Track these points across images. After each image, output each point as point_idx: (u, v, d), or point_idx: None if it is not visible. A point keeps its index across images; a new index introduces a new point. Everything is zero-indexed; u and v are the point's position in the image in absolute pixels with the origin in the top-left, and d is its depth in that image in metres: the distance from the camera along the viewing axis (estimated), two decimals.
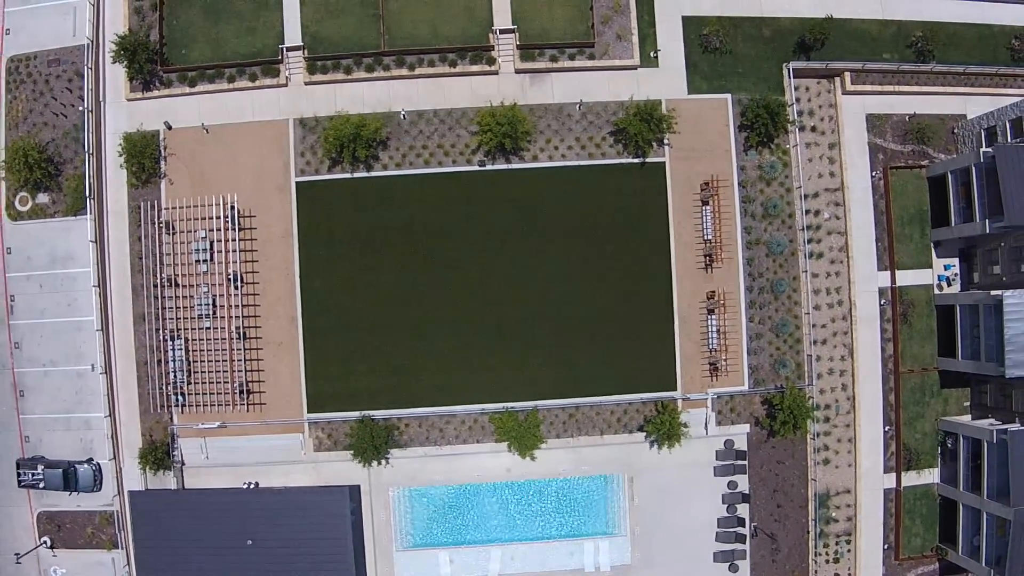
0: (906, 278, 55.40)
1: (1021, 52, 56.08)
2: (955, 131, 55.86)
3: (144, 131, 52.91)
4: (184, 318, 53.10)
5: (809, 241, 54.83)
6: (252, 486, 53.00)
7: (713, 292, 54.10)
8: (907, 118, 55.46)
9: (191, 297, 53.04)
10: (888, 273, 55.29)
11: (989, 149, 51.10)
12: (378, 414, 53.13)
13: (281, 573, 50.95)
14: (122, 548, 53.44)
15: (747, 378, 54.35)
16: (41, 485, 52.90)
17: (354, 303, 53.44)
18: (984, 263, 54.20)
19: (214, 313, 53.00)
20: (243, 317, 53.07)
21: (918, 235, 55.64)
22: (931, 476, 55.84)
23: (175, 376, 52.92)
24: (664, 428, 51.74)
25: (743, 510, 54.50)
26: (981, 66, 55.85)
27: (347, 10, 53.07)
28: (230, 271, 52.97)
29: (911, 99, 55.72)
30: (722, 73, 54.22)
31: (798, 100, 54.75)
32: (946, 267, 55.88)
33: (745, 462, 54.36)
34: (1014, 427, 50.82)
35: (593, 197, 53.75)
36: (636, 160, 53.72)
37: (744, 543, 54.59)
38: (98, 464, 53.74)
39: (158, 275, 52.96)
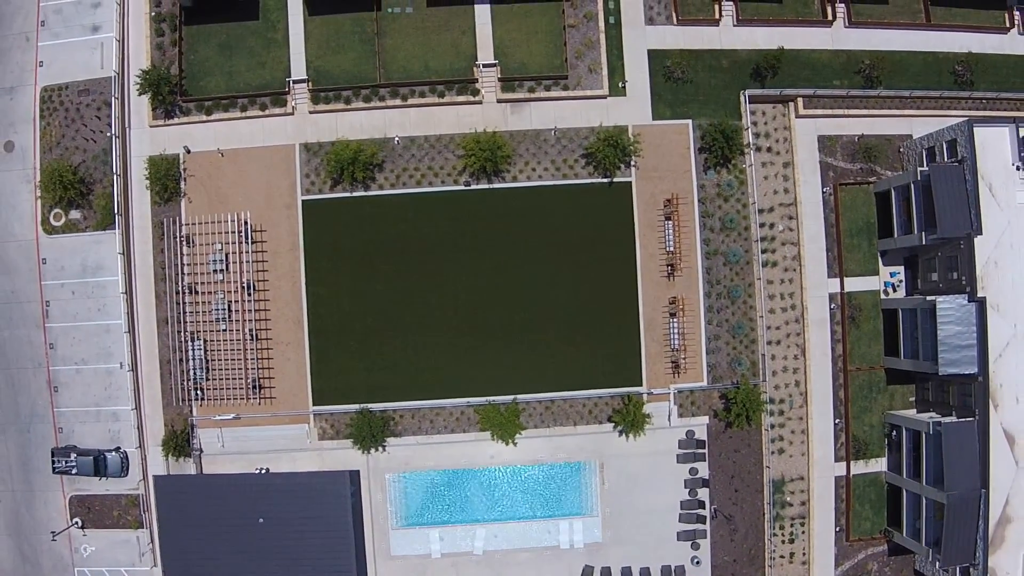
0: (854, 284, 57.33)
1: (964, 76, 57.55)
2: (901, 150, 57.67)
3: (166, 155, 55.25)
4: (202, 321, 55.55)
5: (764, 251, 57.04)
6: (263, 471, 55.31)
7: (675, 298, 56.56)
8: (856, 139, 57.34)
9: (209, 303, 55.48)
10: (838, 280, 57.31)
11: (926, 168, 52.95)
12: (376, 406, 55.50)
13: (289, 548, 53.14)
14: (146, 528, 55.96)
15: (706, 375, 56.78)
16: (73, 471, 55.09)
17: (354, 308, 55.86)
18: (925, 271, 56.14)
19: (229, 317, 55.42)
20: (255, 320, 55.57)
21: (866, 245, 57.68)
22: (879, 465, 57.77)
23: (194, 373, 55.25)
24: (630, 418, 54.11)
25: (704, 494, 56.72)
26: (926, 90, 57.44)
27: (347, 47, 55.53)
28: (244, 280, 55.48)
29: (860, 121, 57.40)
30: (684, 100, 56.32)
31: (755, 123, 56.88)
32: (892, 274, 57.86)
33: (705, 451, 56.56)
34: (948, 420, 52.83)
35: (567, 213, 56.10)
36: (605, 180, 56.13)
37: (705, 524, 56.90)
38: (125, 452, 56.03)
39: (179, 283, 55.31)
